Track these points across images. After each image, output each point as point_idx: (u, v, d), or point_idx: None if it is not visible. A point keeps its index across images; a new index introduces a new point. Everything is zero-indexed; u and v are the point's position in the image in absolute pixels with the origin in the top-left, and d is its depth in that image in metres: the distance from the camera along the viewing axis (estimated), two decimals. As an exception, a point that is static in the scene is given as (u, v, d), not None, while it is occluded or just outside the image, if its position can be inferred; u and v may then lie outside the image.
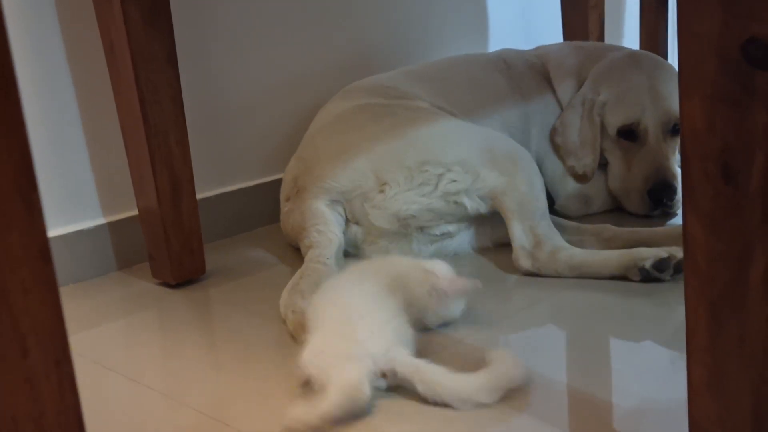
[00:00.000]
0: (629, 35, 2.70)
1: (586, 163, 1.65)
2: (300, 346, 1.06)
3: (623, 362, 1.08)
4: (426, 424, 0.94)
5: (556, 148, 1.69)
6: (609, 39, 2.33)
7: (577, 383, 1.02)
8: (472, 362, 1.04)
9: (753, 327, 0.70)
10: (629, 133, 1.63)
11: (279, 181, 1.61)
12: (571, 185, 1.67)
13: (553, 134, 1.70)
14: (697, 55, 0.68)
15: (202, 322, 1.31)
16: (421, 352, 1.04)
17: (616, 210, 1.68)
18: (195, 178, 1.43)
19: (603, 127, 1.65)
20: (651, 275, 1.28)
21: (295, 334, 1.17)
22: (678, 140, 1.64)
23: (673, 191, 1.59)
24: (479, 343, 1.14)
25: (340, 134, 1.51)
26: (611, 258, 1.32)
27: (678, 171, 1.61)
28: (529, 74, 1.75)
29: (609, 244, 1.42)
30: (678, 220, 1.60)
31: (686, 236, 0.73)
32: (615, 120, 1.63)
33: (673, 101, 1.61)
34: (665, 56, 2.36)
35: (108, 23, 1.30)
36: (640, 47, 2.35)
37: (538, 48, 1.87)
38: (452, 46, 2.12)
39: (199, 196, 1.48)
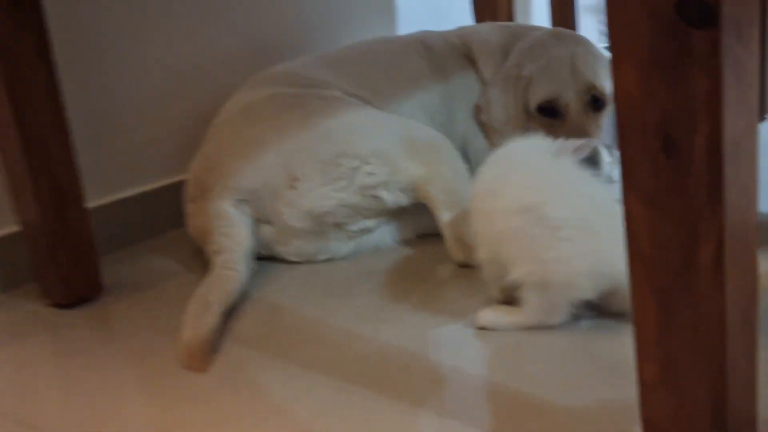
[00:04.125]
0: (538, 14, 2.67)
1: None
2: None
3: (568, 359, 1.01)
4: None
5: (482, 127, 1.63)
6: (519, 18, 2.29)
7: (516, 382, 0.94)
8: (390, 361, 0.96)
9: (706, 314, 0.64)
10: (550, 110, 1.58)
11: (183, 183, 1.49)
12: None
13: (477, 112, 1.65)
14: (628, 15, 0.61)
15: (102, 345, 1.18)
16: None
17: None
18: (86, 184, 1.30)
19: (526, 104, 1.60)
20: None
21: (189, 360, 1.06)
22: (600, 116, 1.60)
23: (596, 165, 1.54)
24: (402, 341, 1.06)
25: (246, 127, 1.41)
26: None
27: (601, 147, 1.56)
28: (450, 56, 1.68)
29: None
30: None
31: (627, 218, 0.66)
32: (536, 96, 1.59)
33: (593, 75, 1.58)
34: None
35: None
36: (552, 25, 2.32)
37: (459, 29, 1.80)
38: (362, 30, 2.03)
39: (91, 204, 1.36)
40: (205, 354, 1.06)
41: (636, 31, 0.61)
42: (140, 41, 1.60)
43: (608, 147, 1.62)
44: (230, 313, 1.19)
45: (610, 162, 1.60)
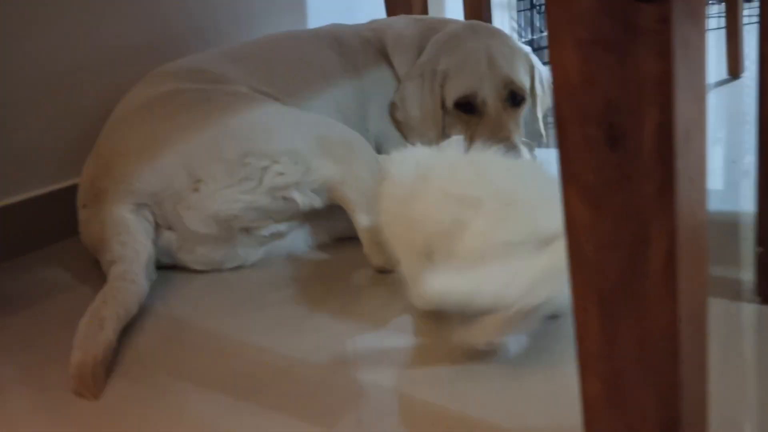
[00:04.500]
0: (452, 8, 2.63)
1: (429, 138, 1.54)
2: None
3: (500, 373, 0.93)
4: None
5: (397, 125, 1.57)
6: (432, 12, 2.24)
7: (444, 399, 0.86)
8: (305, 376, 0.87)
9: (655, 324, 0.57)
10: (468, 105, 1.52)
11: (76, 187, 1.36)
12: None
13: (392, 110, 1.58)
14: (568, -11, 0.54)
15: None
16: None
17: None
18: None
19: (442, 100, 1.54)
20: None
21: (80, 386, 0.95)
22: (519, 111, 1.55)
23: None
24: (319, 353, 0.97)
25: (144, 125, 1.30)
26: None
27: (519, 141, 1.52)
28: (363, 50, 1.61)
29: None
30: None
31: (567, 218, 0.59)
32: (453, 92, 1.53)
33: (510, 69, 1.54)
34: (490, 28, 2.30)
35: None
36: (465, 18, 2.27)
37: (372, 22, 1.74)
38: (269, 23, 1.94)
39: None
40: (98, 378, 0.95)
41: (576, 7, 0.54)
42: (26, 34, 1.46)
43: (528, 144, 1.58)
44: (128, 329, 1.08)
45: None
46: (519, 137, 1.55)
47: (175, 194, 1.23)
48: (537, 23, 3.25)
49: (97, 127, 1.43)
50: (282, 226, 1.28)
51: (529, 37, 3.21)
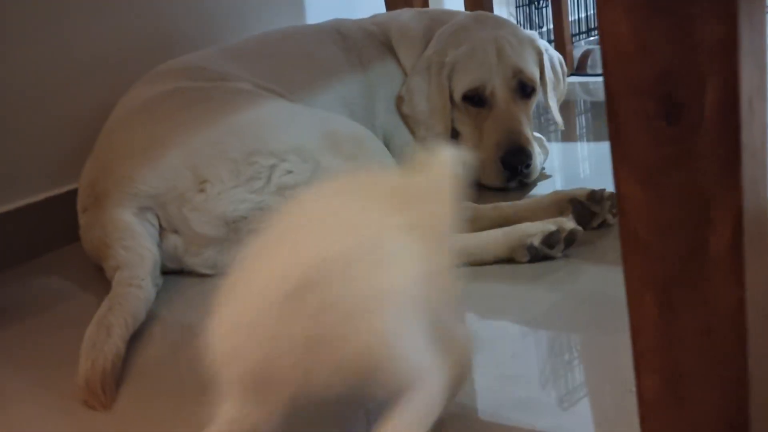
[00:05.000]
0: (452, 4, 2.59)
1: (438, 131, 1.51)
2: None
3: (518, 367, 0.89)
4: None
5: (405, 119, 1.53)
6: (433, 6, 2.20)
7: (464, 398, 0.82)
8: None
9: (719, 313, 0.53)
10: (476, 99, 1.49)
11: (75, 192, 1.32)
12: None
13: (399, 104, 1.55)
14: (618, -51, 0.49)
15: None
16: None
17: (475, 187, 1.52)
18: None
19: (450, 93, 1.50)
20: (540, 253, 1.13)
21: (89, 396, 0.91)
22: (530, 102, 1.51)
23: (528, 156, 1.47)
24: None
25: (145, 126, 1.26)
26: (494, 239, 1.16)
27: (530, 135, 1.48)
28: (368, 44, 1.58)
29: (474, 224, 1.25)
30: (539, 190, 1.46)
31: (621, 200, 0.54)
32: (461, 84, 1.51)
33: (519, 59, 1.51)
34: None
35: None
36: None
37: (375, 16, 1.71)
38: (267, 20, 1.90)
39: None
40: (107, 388, 0.91)
41: (627, -32, 0.49)
42: (21, 35, 1.43)
43: (538, 139, 1.54)
44: (135, 336, 1.04)
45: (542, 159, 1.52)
46: (530, 130, 1.51)
47: (179, 196, 1.19)
48: (535, 19, 3.21)
49: (95, 130, 1.39)
50: (293, 226, 1.24)
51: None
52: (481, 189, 1.47)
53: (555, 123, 1.60)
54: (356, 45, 1.58)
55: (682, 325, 0.54)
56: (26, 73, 1.44)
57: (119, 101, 1.38)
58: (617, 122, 0.53)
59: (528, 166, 1.47)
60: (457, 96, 1.51)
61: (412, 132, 1.55)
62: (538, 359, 0.90)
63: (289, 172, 1.21)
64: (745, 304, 0.52)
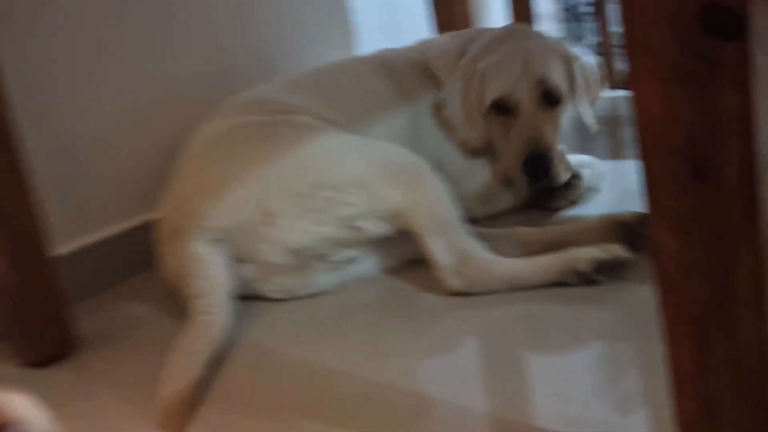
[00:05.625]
0: (497, 24, 2.64)
1: (472, 138, 1.56)
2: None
3: (572, 385, 0.96)
4: None
5: (443, 124, 1.59)
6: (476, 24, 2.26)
7: (520, 417, 0.89)
8: (382, 402, 0.90)
9: (746, 345, 0.59)
10: (503, 107, 1.54)
11: (151, 223, 1.42)
12: (474, 181, 1.56)
13: (437, 110, 1.60)
14: (647, 28, 0.57)
15: (79, 404, 1.09)
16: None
17: (526, 209, 1.58)
18: (51, 232, 1.22)
19: (481, 101, 1.56)
20: (589, 278, 1.17)
21: (167, 420, 0.98)
22: (556, 111, 1.54)
23: (547, 160, 1.49)
24: (395, 379, 1.00)
25: (215, 161, 1.34)
26: (545, 264, 1.20)
27: (553, 142, 1.51)
28: (411, 74, 1.63)
29: (524, 248, 1.31)
30: (586, 210, 1.51)
31: (656, 248, 0.61)
32: (489, 92, 1.54)
33: (544, 69, 1.53)
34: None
35: None
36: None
37: (417, 43, 1.75)
38: (321, 53, 1.98)
39: (58, 252, 1.27)
40: (184, 412, 0.99)
41: (656, 45, 0.56)
42: (97, 75, 1.53)
43: (565, 149, 1.56)
44: (213, 360, 1.12)
45: (565, 165, 1.54)
46: (556, 139, 1.53)
47: (249, 229, 1.27)
48: (579, 33, 3.25)
49: (168, 163, 1.48)
50: (354, 253, 1.32)
51: (574, 45, 3.21)
52: (528, 211, 1.53)
53: (588, 127, 1.61)
54: (401, 76, 1.63)
55: (714, 356, 0.60)
56: (102, 114, 1.53)
57: (191, 136, 1.46)
58: (650, 178, 0.60)
59: (547, 170, 1.49)
60: (487, 103, 1.55)
61: (450, 137, 1.59)
62: (590, 378, 0.96)
63: (349, 204, 1.27)
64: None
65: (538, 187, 1.52)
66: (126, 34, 1.58)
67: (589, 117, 1.60)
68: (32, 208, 1.19)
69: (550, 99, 1.53)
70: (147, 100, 1.61)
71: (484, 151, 1.58)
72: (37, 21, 1.44)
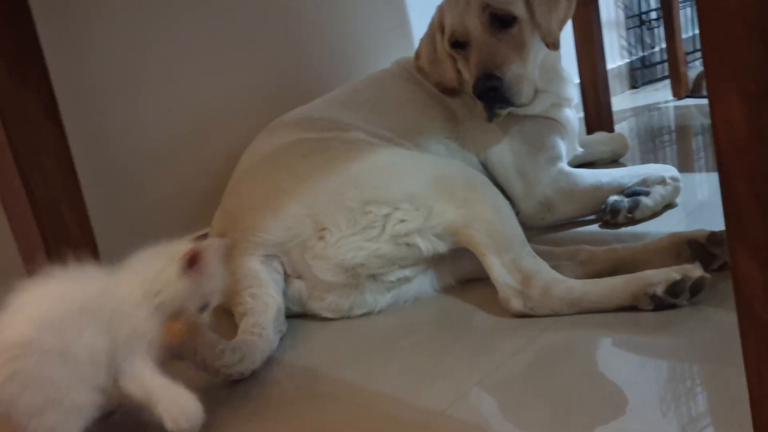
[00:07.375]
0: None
1: (449, 75, 1.56)
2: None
3: (644, 420, 0.90)
4: None
5: (420, 72, 1.61)
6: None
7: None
8: (436, 428, 0.85)
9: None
10: (459, 44, 1.53)
11: (205, 236, 1.40)
12: (536, 190, 1.53)
13: (416, 59, 1.62)
14: (730, 39, 0.51)
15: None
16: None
17: (588, 226, 1.52)
18: (100, 248, 1.21)
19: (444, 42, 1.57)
20: (665, 302, 1.09)
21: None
22: (512, 33, 1.47)
23: (494, 79, 1.43)
24: (448, 403, 0.95)
25: (268, 177, 1.32)
26: (616, 287, 1.12)
27: (505, 61, 1.44)
28: None
29: (587, 267, 1.24)
30: (648, 228, 1.44)
31: (738, 278, 0.55)
32: (446, 35, 1.55)
33: None
34: (601, 50, 2.25)
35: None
36: (575, 43, 2.24)
37: None
38: (382, 58, 1.95)
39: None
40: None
41: (741, 58, 0.51)
42: (150, 94, 1.53)
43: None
44: (261, 380, 1.10)
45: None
46: (512, 59, 1.46)
47: (301, 244, 1.24)
48: (647, 39, 3.16)
49: (221, 180, 1.47)
50: (408, 271, 1.28)
51: (640, 54, 3.12)
52: (590, 229, 1.47)
53: (547, 45, 1.52)
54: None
55: (804, 402, 0.54)
56: (156, 133, 1.53)
57: (244, 153, 1.45)
58: (733, 204, 0.54)
59: (496, 90, 1.43)
60: (447, 42, 1.54)
61: (428, 81, 1.59)
62: (662, 411, 0.90)
63: (403, 220, 1.23)
64: None
65: (496, 111, 1.49)
66: (179, 53, 1.57)
67: (549, 34, 1.50)
68: (87, 225, 1.18)
69: (501, 22, 1.47)
70: (203, 117, 1.61)
71: (460, 90, 1.57)
72: (91, 40, 1.44)
